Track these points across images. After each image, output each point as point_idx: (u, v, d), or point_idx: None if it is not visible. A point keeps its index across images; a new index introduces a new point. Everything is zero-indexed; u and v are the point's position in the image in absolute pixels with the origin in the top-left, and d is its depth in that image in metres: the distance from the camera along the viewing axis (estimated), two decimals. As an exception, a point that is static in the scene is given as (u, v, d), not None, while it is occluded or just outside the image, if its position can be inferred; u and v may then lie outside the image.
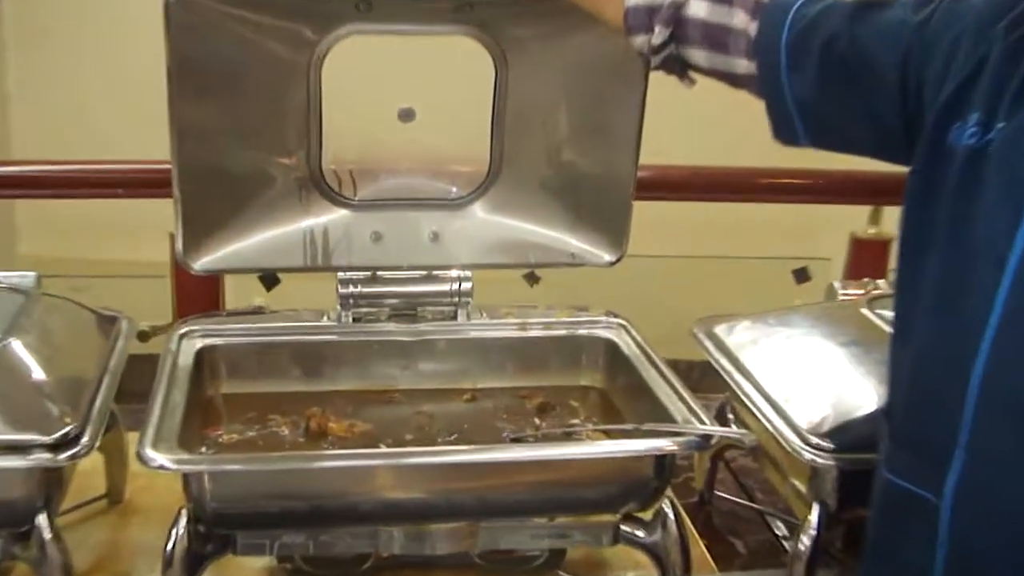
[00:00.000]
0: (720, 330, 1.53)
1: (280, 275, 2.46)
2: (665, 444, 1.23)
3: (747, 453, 1.59)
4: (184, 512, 1.18)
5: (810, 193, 2.30)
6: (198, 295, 1.97)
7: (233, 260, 1.42)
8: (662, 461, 1.25)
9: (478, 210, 1.49)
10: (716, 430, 1.26)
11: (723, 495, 1.61)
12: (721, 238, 3.03)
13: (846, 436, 1.25)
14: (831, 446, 1.24)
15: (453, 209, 1.48)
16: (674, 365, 1.39)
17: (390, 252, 1.46)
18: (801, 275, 3.23)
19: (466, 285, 1.47)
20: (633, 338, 1.49)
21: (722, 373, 1.45)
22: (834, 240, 2.45)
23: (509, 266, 1.51)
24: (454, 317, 1.49)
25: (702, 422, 1.26)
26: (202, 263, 1.40)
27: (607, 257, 1.48)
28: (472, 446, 1.30)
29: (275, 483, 1.19)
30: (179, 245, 1.38)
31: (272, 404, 1.42)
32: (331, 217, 1.45)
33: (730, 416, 1.53)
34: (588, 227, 1.48)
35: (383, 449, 1.31)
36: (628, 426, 1.32)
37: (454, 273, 1.48)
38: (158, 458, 1.14)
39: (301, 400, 1.42)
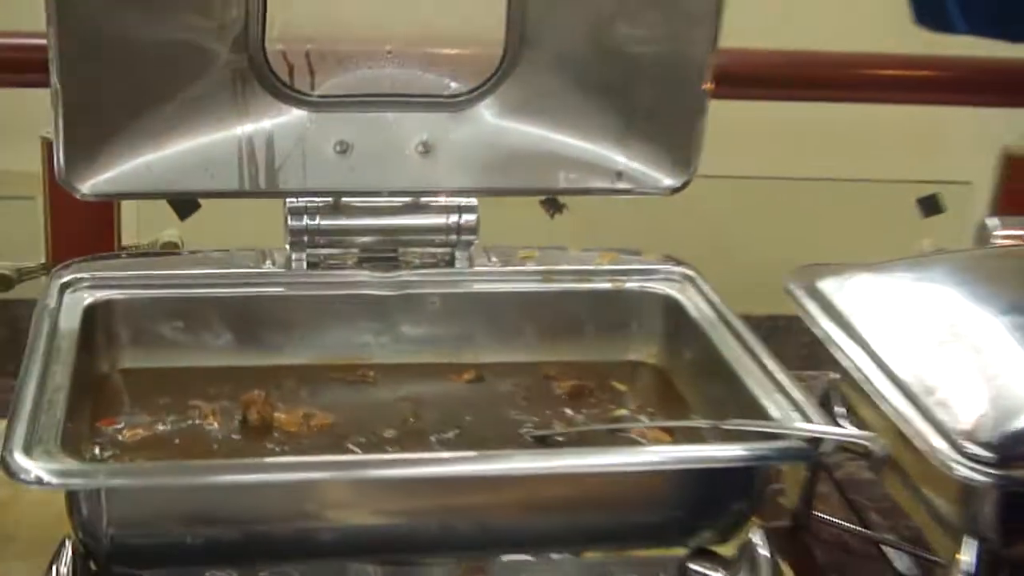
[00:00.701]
0: (826, 285, 1.49)
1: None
2: (758, 451, 1.20)
3: (857, 458, 1.48)
4: (69, 543, 1.15)
5: (945, 90, 2.28)
6: (85, 226, 1.94)
7: (137, 180, 1.40)
8: (750, 474, 1.23)
9: (486, 112, 1.47)
10: (831, 431, 1.22)
11: (825, 517, 1.57)
12: (822, 152, 2.96)
13: (1016, 444, 1.20)
14: (994, 457, 1.19)
15: (452, 110, 1.46)
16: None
17: (362, 170, 1.45)
18: (929, 205, 3.19)
19: (468, 218, 1.47)
20: (704, 295, 1.48)
21: (829, 346, 1.41)
22: (978, 157, 2.42)
23: (529, 192, 1.53)
24: (451, 263, 1.49)
25: (807, 418, 1.23)
26: (93, 185, 1.38)
27: (668, 181, 1.48)
28: (478, 452, 1.28)
29: (199, 502, 1.16)
30: (59, 159, 1.34)
31: (194, 385, 1.41)
32: (278, 120, 1.43)
33: (837, 408, 1.47)
34: (643, 137, 1.48)
35: (352, 456, 1.28)
36: (702, 422, 1.31)
37: (452, 201, 1.47)
38: (31, 467, 1.10)
39: (235, 379, 1.41)
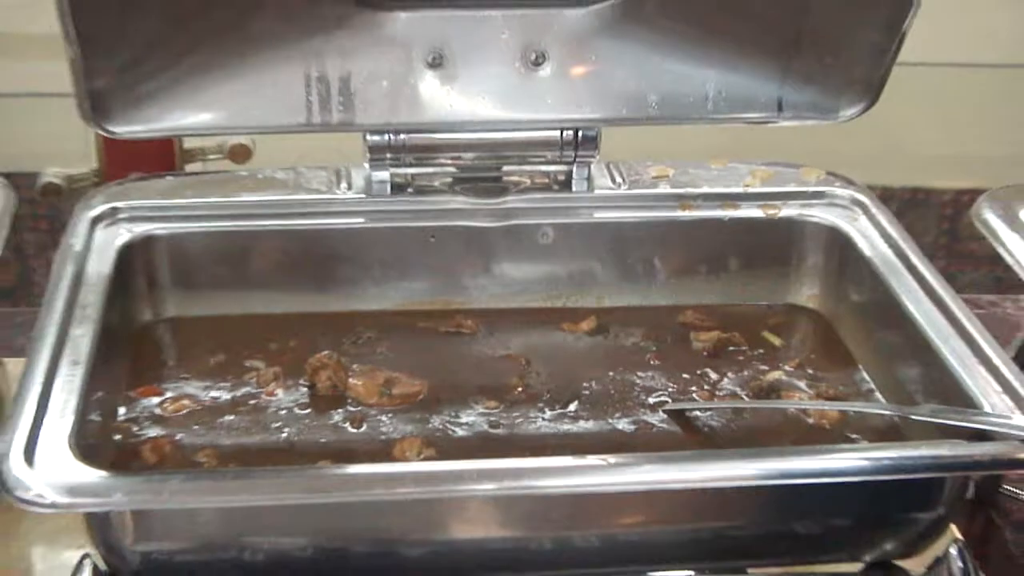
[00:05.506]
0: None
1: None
2: (968, 456, 1.02)
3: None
4: (88, 563, 1.03)
5: None
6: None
7: (180, 115, 1.25)
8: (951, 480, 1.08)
9: (617, 13, 1.30)
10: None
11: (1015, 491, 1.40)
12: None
13: None
14: None
15: (575, 4, 1.30)
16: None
17: (459, 88, 1.30)
18: None
19: (587, 133, 1.34)
20: (878, 225, 1.35)
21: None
22: None
23: (668, 120, 1.35)
24: (567, 184, 1.37)
25: (1024, 404, 1.09)
26: (128, 125, 1.23)
27: (849, 111, 1.33)
28: (614, 460, 1.02)
29: (253, 520, 1.01)
30: (82, 100, 1.18)
31: (252, 338, 1.30)
32: (355, 30, 1.26)
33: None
34: (814, 49, 1.30)
35: (445, 465, 1.05)
36: (886, 408, 1.19)
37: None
38: (33, 482, 0.93)
39: (302, 330, 1.31)
